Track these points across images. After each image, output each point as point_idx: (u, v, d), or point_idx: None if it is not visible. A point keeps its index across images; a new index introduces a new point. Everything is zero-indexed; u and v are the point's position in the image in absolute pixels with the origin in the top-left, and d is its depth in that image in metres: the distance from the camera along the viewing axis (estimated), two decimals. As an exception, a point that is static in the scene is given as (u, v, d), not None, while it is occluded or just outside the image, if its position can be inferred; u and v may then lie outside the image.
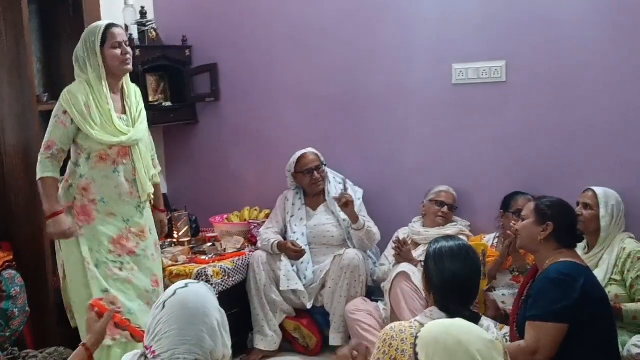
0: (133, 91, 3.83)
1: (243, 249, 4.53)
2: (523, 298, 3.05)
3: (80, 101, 3.57)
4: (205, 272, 4.13)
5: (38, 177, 3.61)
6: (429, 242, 4.12)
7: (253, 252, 4.47)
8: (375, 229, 4.42)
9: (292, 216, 4.55)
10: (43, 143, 3.62)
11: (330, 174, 4.62)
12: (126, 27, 4.86)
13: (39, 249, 4.11)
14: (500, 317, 3.65)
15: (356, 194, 4.52)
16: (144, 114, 3.84)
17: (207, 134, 5.29)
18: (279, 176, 4.73)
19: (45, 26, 4.58)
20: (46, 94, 4.29)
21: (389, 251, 4.36)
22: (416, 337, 1.95)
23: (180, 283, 2.16)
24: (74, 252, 3.67)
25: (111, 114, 3.63)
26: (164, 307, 2.06)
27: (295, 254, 4.34)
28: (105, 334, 2.51)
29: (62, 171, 3.75)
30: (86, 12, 4.46)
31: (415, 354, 1.91)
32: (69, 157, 3.74)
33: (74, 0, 4.42)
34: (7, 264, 3.96)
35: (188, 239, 4.70)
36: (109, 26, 3.66)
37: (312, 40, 4.85)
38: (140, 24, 4.91)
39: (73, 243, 3.66)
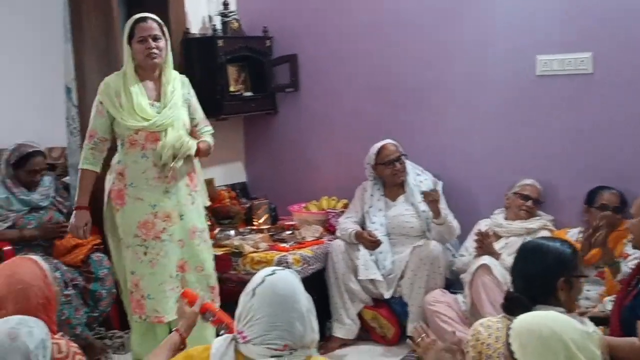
0: (173, 79, 3.81)
1: (322, 238, 4.56)
2: (629, 289, 2.96)
3: (112, 89, 3.69)
4: (285, 259, 4.17)
5: (79, 166, 3.77)
6: (511, 234, 4.15)
7: (331, 241, 4.49)
8: (455, 223, 4.38)
9: (370, 207, 4.54)
10: (87, 133, 3.77)
11: (409, 165, 4.59)
12: (210, 18, 4.96)
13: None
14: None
15: (436, 186, 4.48)
16: (176, 99, 3.78)
17: (286, 124, 5.32)
18: (357, 167, 4.72)
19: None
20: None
21: (469, 242, 4.33)
22: (509, 328, 1.95)
23: (266, 270, 2.19)
24: (115, 233, 3.82)
25: (139, 100, 3.68)
26: (254, 294, 2.10)
27: (372, 244, 4.33)
28: (196, 320, 2.60)
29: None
30: (170, 3, 4.56)
31: (508, 344, 1.91)
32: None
33: (159, -10, 4.51)
34: (95, 247, 4.11)
35: (268, 226, 4.76)
36: (138, 20, 3.73)
37: (392, 30, 4.82)
38: (223, 15, 4.98)
39: (114, 225, 3.80)
